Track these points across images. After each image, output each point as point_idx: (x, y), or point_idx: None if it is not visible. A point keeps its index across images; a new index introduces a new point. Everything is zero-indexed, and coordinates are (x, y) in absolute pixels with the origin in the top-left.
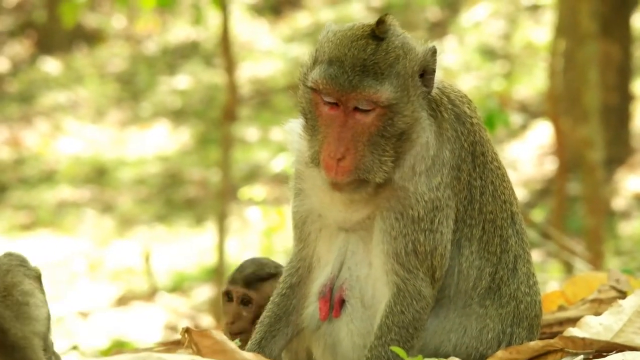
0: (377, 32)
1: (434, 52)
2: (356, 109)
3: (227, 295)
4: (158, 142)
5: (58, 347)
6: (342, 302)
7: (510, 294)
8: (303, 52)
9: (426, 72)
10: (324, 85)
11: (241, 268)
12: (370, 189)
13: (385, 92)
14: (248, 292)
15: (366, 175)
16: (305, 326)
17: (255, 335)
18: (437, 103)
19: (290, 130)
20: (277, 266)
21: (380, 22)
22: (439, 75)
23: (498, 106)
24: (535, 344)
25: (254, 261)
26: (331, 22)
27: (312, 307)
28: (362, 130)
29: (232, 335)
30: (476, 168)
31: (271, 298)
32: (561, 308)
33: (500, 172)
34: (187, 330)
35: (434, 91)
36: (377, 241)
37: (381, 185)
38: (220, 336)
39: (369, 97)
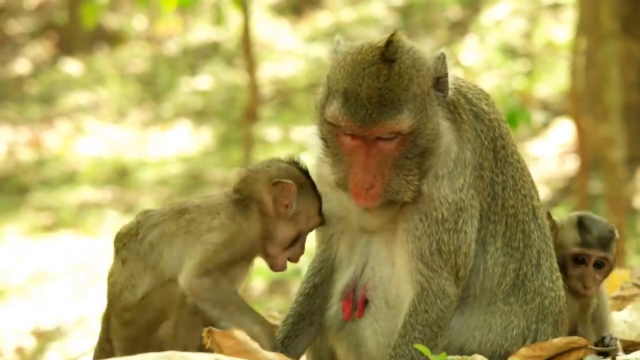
0: (387, 55)
1: (443, 59)
2: (378, 139)
3: (576, 260)
4: (179, 143)
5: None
6: (366, 302)
7: (535, 289)
8: (324, 52)
9: (440, 78)
10: (345, 122)
11: (587, 229)
12: (399, 205)
13: (406, 120)
14: (607, 255)
15: (394, 196)
16: (328, 326)
17: (278, 334)
18: (455, 105)
19: (312, 134)
20: (604, 220)
21: (389, 43)
22: (452, 77)
23: (520, 104)
24: (559, 341)
25: (596, 221)
26: (340, 38)
27: (335, 307)
28: (387, 157)
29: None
30: (497, 163)
31: (295, 297)
32: None
33: (520, 166)
34: (209, 331)
35: (450, 92)
36: (402, 241)
37: None
38: (243, 336)
39: (391, 129)
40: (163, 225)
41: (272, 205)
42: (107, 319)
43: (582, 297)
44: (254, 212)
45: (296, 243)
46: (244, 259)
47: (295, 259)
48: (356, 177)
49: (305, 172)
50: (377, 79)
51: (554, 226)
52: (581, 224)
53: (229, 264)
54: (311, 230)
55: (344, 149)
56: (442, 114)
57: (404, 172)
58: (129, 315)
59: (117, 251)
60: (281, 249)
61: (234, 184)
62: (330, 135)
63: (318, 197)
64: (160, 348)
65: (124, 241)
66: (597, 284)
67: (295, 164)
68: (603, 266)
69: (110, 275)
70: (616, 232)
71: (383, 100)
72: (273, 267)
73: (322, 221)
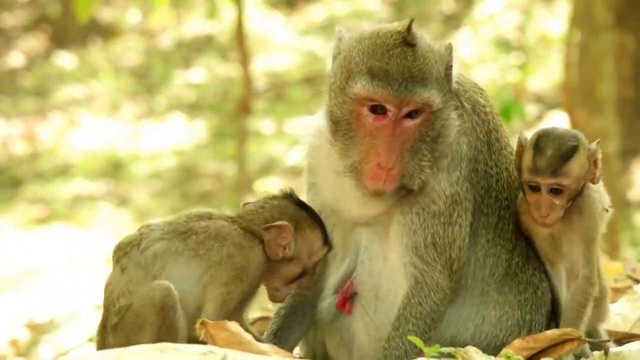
0: (409, 39)
1: (451, 49)
2: (406, 116)
3: (530, 187)
4: (173, 136)
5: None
6: (353, 296)
7: (527, 280)
8: (318, 45)
9: (447, 69)
10: (379, 94)
11: (540, 151)
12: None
13: (435, 98)
14: (557, 180)
15: (407, 181)
16: (320, 319)
17: (271, 326)
18: (457, 95)
19: (305, 125)
20: (574, 134)
21: (409, 29)
22: (455, 69)
23: (513, 97)
24: (552, 333)
25: (553, 139)
26: (341, 28)
27: (327, 301)
28: (408, 137)
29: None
30: (492, 155)
31: None
32: None
33: (513, 158)
34: (202, 323)
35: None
36: (396, 235)
37: None
38: (236, 328)
39: (424, 102)
40: (169, 242)
41: (269, 249)
42: (102, 330)
43: (548, 226)
44: (258, 242)
45: (302, 276)
46: (254, 292)
47: (303, 288)
48: (379, 157)
49: (302, 205)
50: (405, 59)
51: (521, 147)
52: (537, 145)
53: (243, 302)
54: (317, 262)
55: (364, 130)
56: (452, 105)
57: (419, 156)
58: (117, 320)
59: (118, 260)
60: (285, 283)
61: (236, 216)
62: (349, 116)
63: (320, 227)
64: None
65: (126, 250)
66: (557, 210)
67: (289, 197)
68: (561, 192)
69: (108, 284)
70: (581, 146)
71: (414, 76)
72: (273, 299)
73: (329, 249)
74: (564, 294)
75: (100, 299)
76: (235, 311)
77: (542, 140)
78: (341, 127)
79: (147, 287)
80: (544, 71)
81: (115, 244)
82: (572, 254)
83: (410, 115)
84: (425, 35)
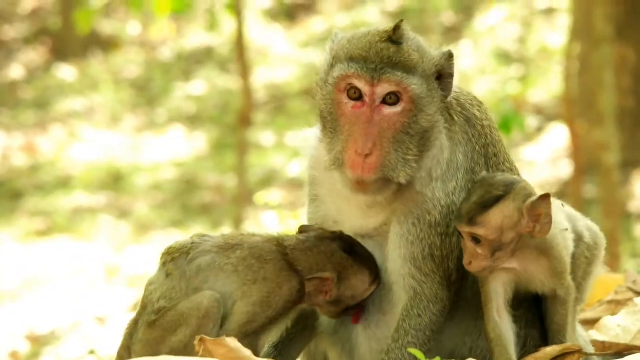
0: (395, 38)
1: (449, 56)
2: (383, 103)
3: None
4: (173, 148)
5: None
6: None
7: (522, 296)
8: (318, 57)
9: (443, 76)
10: (353, 75)
11: (467, 195)
12: (391, 192)
13: (412, 84)
14: (472, 230)
15: (391, 173)
16: (322, 330)
17: (272, 339)
18: (447, 106)
19: (306, 137)
20: (508, 184)
21: (397, 28)
22: (456, 79)
23: (513, 109)
24: (552, 349)
25: (483, 186)
26: (338, 31)
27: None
28: (388, 126)
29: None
30: (489, 170)
31: None
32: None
33: (512, 173)
34: (201, 339)
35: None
36: (394, 246)
37: (400, 189)
38: (235, 344)
39: (396, 87)
40: (215, 255)
41: (309, 298)
42: (134, 325)
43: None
44: (297, 277)
45: (347, 311)
46: (281, 320)
47: (354, 321)
48: (356, 143)
49: (351, 249)
50: (387, 50)
51: None
52: (469, 190)
53: (265, 327)
54: (361, 300)
55: (345, 119)
56: (441, 110)
57: (403, 149)
58: (155, 317)
59: (164, 264)
60: (330, 316)
61: (288, 245)
62: (331, 107)
63: (366, 271)
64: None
65: (174, 256)
66: (481, 259)
67: (338, 241)
68: (479, 242)
69: (151, 284)
70: (510, 197)
71: (392, 63)
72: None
73: (376, 287)
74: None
75: (101, 312)
76: (255, 333)
77: (475, 185)
78: (328, 121)
79: (198, 294)
80: (544, 83)
81: (166, 247)
82: (545, 287)
83: (389, 102)
84: (420, 39)
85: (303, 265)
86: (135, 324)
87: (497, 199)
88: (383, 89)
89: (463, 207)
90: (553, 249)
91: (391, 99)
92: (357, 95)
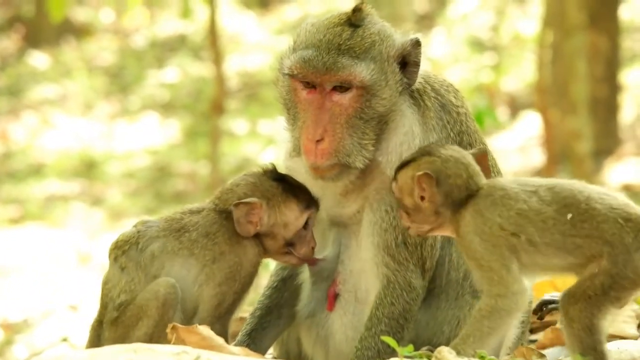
0: (354, 20)
1: (416, 43)
2: (334, 90)
3: None
4: (147, 135)
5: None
6: (336, 296)
7: None
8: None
9: (408, 64)
10: (298, 69)
11: None
12: (353, 177)
13: (360, 72)
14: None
15: (346, 159)
16: (297, 318)
17: (245, 327)
18: (420, 92)
19: (281, 127)
20: (422, 153)
21: (357, 9)
22: (422, 67)
23: (487, 102)
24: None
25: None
26: (311, 16)
27: (304, 301)
28: (340, 112)
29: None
30: None
31: (263, 291)
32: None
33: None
34: (173, 327)
35: (418, 80)
36: (367, 233)
37: (369, 176)
38: (207, 332)
39: (343, 77)
40: (165, 240)
41: (239, 226)
42: (98, 326)
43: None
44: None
45: (294, 245)
46: (246, 291)
47: (307, 260)
48: (308, 130)
49: (280, 179)
50: (339, 36)
51: None
52: None
53: (235, 303)
54: (295, 233)
55: (300, 106)
56: (405, 95)
57: (358, 134)
58: (117, 313)
59: (116, 258)
60: (281, 255)
61: (215, 197)
62: (289, 94)
63: (296, 197)
64: None
65: (124, 249)
66: (403, 219)
67: (267, 173)
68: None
69: (107, 282)
70: (412, 164)
71: (340, 52)
72: (294, 265)
73: (315, 210)
74: None
75: (74, 299)
76: (227, 312)
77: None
78: (289, 110)
79: (153, 283)
80: (517, 71)
81: (113, 242)
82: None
83: (340, 88)
84: (384, 25)
85: (232, 202)
86: (99, 324)
87: (404, 164)
88: (331, 77)
89: None
90: (462, 228)
91: (342, 85)
92: (310, 85)
